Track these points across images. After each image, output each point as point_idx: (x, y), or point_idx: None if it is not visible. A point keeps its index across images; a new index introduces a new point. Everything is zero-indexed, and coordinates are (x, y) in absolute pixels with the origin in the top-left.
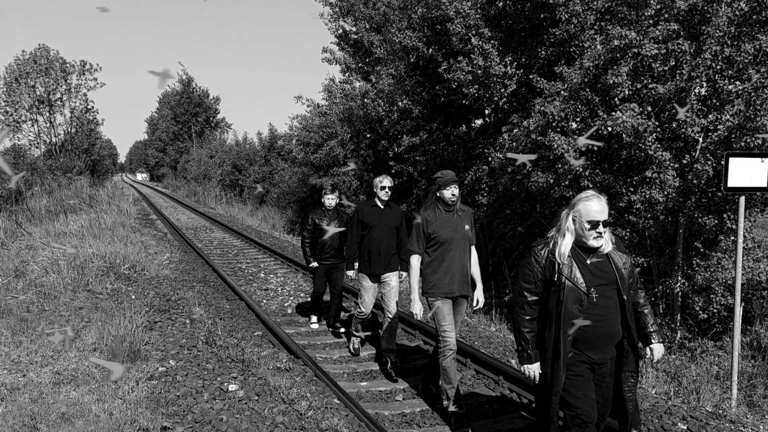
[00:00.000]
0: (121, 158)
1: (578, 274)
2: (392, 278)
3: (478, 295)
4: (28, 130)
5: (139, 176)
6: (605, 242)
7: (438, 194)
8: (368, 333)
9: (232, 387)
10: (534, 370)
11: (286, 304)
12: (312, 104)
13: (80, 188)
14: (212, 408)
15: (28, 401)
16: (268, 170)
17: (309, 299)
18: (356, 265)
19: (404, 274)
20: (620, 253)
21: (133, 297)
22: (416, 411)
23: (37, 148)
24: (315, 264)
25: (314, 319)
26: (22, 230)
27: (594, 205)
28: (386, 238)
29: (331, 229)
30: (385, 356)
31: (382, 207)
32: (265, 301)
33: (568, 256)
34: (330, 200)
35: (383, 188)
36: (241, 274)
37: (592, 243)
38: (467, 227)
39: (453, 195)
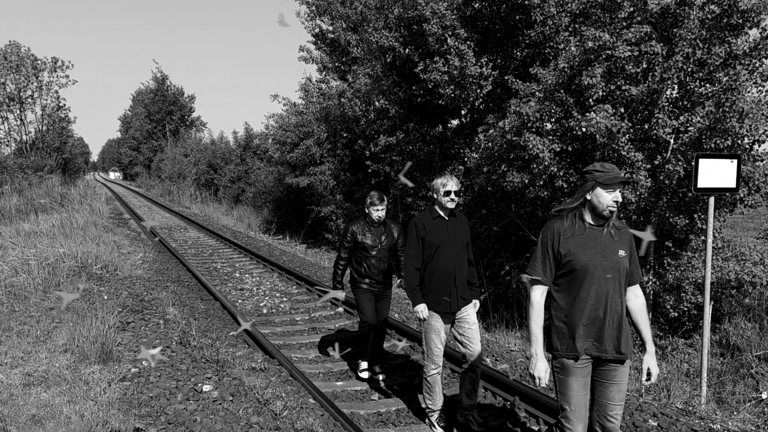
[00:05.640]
0: (94, 157)
1: None
2: (471, 312)
3: (650, 362)
4: None
5: (112, 175)
6: None
7: (589, 196)
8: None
9: (207, 387)
10: None
11: (261, 304)
12: (288, 103)
13: (51, 187)
14: (186, 409)
15: None
16: (244, 169)
17: (288, 301)
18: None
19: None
20: None
21: (106, 297)
22: (392, 410)
23: (7, 146)
24: (341, 294)
25: (364, 365)
26: None
27: None
28: (459, 260)
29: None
30: (467, 414)
31: (448, 218)
32: (240, 301)
33: None
34: (378, 212)
35: (447, 193)
36: (216, 274)
37: None
38: (622, 253)
39: (616, 202)
